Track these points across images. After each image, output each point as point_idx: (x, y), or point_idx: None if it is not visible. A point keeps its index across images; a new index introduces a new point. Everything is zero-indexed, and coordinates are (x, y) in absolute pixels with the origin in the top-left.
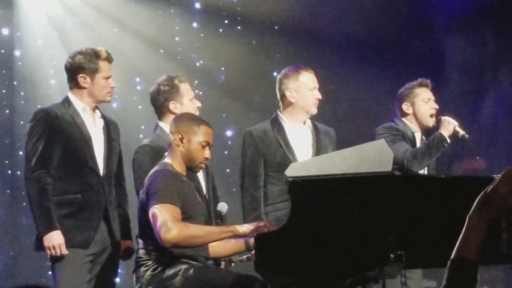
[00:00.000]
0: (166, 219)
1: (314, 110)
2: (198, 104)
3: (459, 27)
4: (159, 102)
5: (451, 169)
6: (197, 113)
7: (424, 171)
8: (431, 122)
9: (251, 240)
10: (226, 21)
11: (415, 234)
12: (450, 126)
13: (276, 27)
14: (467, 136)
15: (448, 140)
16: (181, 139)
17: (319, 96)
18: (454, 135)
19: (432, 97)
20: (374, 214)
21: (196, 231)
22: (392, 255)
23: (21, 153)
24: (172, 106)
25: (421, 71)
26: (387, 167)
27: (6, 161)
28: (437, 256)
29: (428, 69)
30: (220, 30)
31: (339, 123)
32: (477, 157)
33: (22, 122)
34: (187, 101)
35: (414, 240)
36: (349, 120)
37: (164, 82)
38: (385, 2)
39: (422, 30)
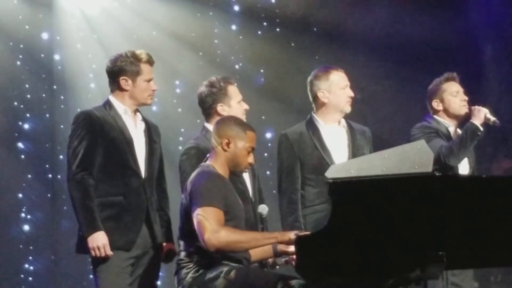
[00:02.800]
0: (211, 223)
1: (348, 109)
2: (246, 106)
3: (497, 26)
4: (207, 104)
5: (491, 169)
6: (244, 116)
7: (466, 171)
8: (463, 110)
9: (279, 246)
10: (264, 23)
11: (456, 235)
12: (481, 114)
13: (315, 29)
14: (497, 122)
15: (481, 129)
16: (228, 144)
17: (351, 94)
18: (486, 122)
19: (461, 89)
20: (414, 214)
21: (240, 236)
22: (433, 256)
23: (61, 157)
24: (220, 108)
25: (461, 70)
26: (428, 167)
27: (47, 165)
28: (479, 257)
29: (467, 67)
30: (259, 32)
31: (380, 123)
32: None
33: (62, 126)
34: (235, 104)
35: (455, 240)
36: (390, 121)
37: (212, 84)
38: (425, 3)
39: (463, 30)
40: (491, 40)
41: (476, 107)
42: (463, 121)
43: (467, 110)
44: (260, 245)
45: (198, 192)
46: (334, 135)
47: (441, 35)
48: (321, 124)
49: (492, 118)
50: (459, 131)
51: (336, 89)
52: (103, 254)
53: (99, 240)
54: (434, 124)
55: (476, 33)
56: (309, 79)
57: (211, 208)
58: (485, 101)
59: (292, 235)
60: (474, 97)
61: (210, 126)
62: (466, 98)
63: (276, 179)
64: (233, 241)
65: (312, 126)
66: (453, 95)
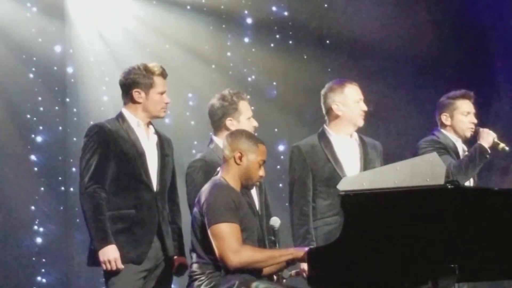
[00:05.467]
0: (231, 242)
1: (361, 122)
2: (255, 123)
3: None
4: (217, 117)
5: (503, 182)
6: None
7: (470, 183)
8: (469, 133)
9: None
10: (277, 36)
11: (468, 247)
12: (489, 137)
13: (328, 41)
14: (507, 148)
15: (489, 151)
16: (240, 158)
17: (365, 107)
18: (494, 147)
19: (472, 110)
20: (426, 227)
21: (259, 256)
22: (445, 268)
23: (74, 169)
24: (229, 122)
25: (472, 85)
26: (440, 180)
27: (60, 178)
28: (490, 269)
29: (478, 82)
30: (272, 45)
31: (391, 137)
32: None
33: (75, 139)
34: (244, 120)
35: (467, 253)
36: (401, 134)
37: (224, 97)
38: (439, 17)
39: (474, 44)
40: (504, 56)
41: (485, 129)
42: (471, 140)
43: (472, 133)
44: (276, 263)
45: (213, 207)
46: (346, 148)
47: (455, 49)
48: (333, 137)
49: (502, 144)
50: (464, 147)
51: (350, 102)
52: (114, 268)
53: (110, 254)
54: (442, 139)
55: (489, 48)
56: (323, 91)
57: (229, 224)
58: (494, 119)
59: (306, 250)
60: (484, 114)
61: (217, 139)
62: (475, 121)
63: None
64: (253, 261)
65: (324, 139)
66: (464, 114)
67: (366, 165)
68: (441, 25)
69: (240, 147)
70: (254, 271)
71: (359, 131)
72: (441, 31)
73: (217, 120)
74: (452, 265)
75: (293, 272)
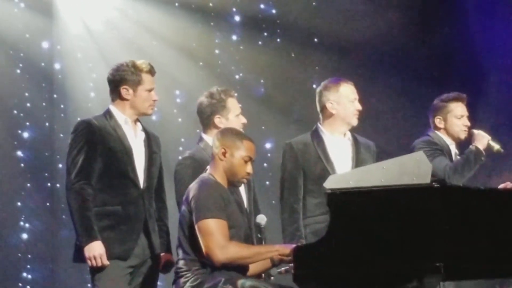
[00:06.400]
0: (218, 238)
1: (355, 121)
2: (244, 120)
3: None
4: (205, 115)
5: (490, 181)
6: (241, 130)
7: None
8: (463, 136)
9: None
10: (265, 34)
11: (453, 246)
12: (484, 140)
13: (316, 40)
14: (502, 150)
15: (484, 153)
16: (224, 154)
17: (360, 107)
18: (488, 148)
19: (466, 113)
20: (412, 225)
21: (245, 252)
22: (430, 267)
23: (60, 166)
24: (217, 120)
25: (462, 84)
26: (426, 179)
27: (46, 174)
28: (476, 269)
29: (468, 82)
30: (260, 42)
31: (379, 135)
32: None
33: (62, 135)
34: (233, 117)
35: (453, 252)
36: (389, 133)
37: (212, 95)
38: (429, 17)
39: (465, 43)
40: (496, 58)
41: (479, 132)
42: (464, 141)
43: (466, 135)
44: (263, 259)
45: (201, 203)
46: (339, 147)
47: (446, 50)
48: (326, 135)
49: (496, 146)
50: (456, 151)
51: (345, 101)
52: (99, 264)
53: (95, 250)
54: (437, 140)
55: (480, 50)
56: (318, 89)
57: (216, 220)
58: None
59: (292, 247)
60: (474, 111)
61: (206, 137)
62: (469, 124)
63: (276, 189)
64: (239, 257)
65: (317, 137)
66: (457, 117)
67: (358, 164)
68: (430, 23)
69: (225, 143)
70: (240, 269)
71: (353, 129)
72: (431, 29)
73: (205, 118)
74: (438, 264)
75: (282, 269)
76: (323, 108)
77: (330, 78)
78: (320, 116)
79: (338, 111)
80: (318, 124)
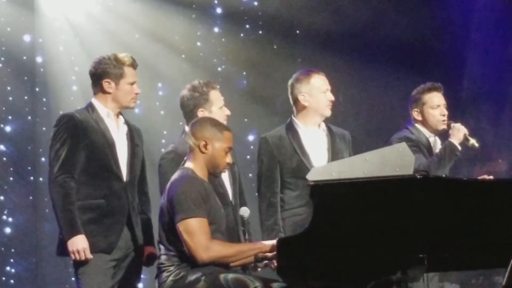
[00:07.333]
0: (200, 238)
1: (328, 112)
2: (228, 112)
3: (480, 30)
4: (188, 108)
5: (473, 172)
6: (225, 122)
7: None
8: (441, 126)
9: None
10: (247, 26)
11: (437, 237)
12: (460, 134)
13: (298, 32)
14: (477, 145)
15: (459, 148)
16: (205, 146)
17: (332, 98)
18: (464, 142)
19: (443, 102)
20: (396, 217)
21: (229, 251)
22: (414, 258)
23: (43, 159)
24: (201, 113)
25: (441, 74)
26: (409, 170)
27: (29, 168)
28: (460, 260)
29: (447, 72)
30: (242, 35)
31: (360, 127)
32: (500, 160)
33: (44, 129)
34: (216, 109)
35: (436, 243)
36: (370, 124)
37: (194, 88)
38: (407, 7)
39: (444, 33)
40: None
41: (456, 125)
42: (444, 132)
43: (445, 127)
44: (246, 257)
45: (180, 201)
46: (314, 138)
47: (425, 37)
48: (301, 128)
49: (472, 141)
50: (438, 140)
51: (317, 92)
52: (82, 258)
53: (78, 244)
54: (415, 134)
55: (462, 36)
56: (290, 82)
57: (197, 219)
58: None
59: (274, 243)
60: (454, 103)
61: None
62: (446, 113)
63: None
64: (222, 256)
65: (291, 130)
66: (433, 108)
67: (334, 155)
68: (413, 15)
69: (205, 135)
70: (222, 264)
71: (329, 120)
72: (413, 21)
73: (188, 112)
74: (421, 255)
75: (263, 263)
76: (296, 100)
77: (301, 70)
78: (294, 108)
79: (310, 103)
80: (292, 117)
